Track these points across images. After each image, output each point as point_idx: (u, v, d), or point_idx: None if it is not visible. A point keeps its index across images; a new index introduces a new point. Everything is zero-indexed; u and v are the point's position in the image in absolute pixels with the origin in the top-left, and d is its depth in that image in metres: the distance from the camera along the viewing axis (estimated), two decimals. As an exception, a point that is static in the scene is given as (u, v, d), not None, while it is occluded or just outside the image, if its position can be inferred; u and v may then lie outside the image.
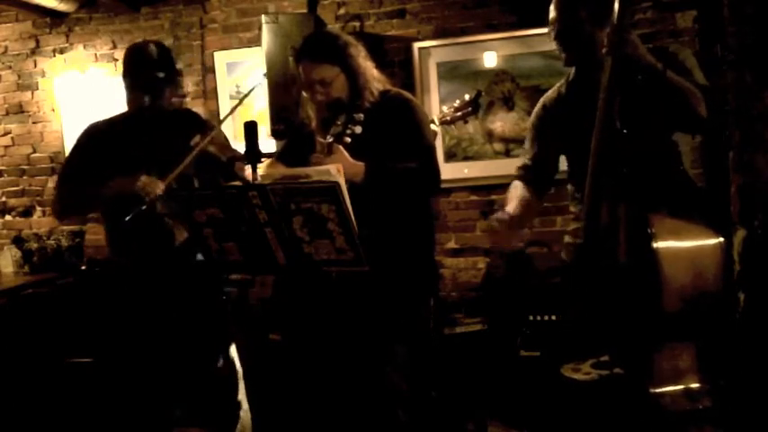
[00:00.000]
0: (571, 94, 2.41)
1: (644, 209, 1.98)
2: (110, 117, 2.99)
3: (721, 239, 1.93)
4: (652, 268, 1.90)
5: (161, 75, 2.84)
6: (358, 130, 2.48)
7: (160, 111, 2.89)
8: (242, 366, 3.03)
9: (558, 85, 2.50)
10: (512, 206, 2.44)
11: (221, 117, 4.50)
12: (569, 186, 2.49)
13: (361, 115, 2.49)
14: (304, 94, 2.65)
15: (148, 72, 2.82)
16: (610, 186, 2.05)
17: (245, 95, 3.07)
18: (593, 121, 2.09)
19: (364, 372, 2.65)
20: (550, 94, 2.51)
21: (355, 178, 2.40)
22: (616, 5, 2.01)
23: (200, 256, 2.71)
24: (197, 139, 2.74)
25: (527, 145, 2.59)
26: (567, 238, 2.51)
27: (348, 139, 2.46)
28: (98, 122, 2.97)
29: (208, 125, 2.99)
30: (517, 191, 2.52)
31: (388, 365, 2.61)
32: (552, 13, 2.29)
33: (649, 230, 1.91)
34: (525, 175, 2.56)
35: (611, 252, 2.07)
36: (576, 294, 2.19)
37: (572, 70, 2.42)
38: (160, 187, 2.64)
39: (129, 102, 2.91)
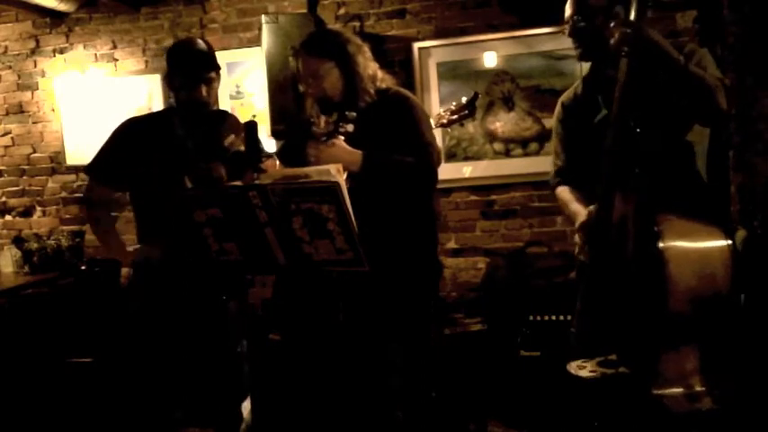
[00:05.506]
0: (586, 92, 2.41)
1: (652, 208, 1.98)
2: (147, 114, 3.00)
3: (730, 242, 1.91)
4: (658, 268, 1.89)
5: (213, 65, 2.78)
6: (350, 128, 2.47)
7: (207, 107, 2.85)
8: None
9: (575, 84, 2.49)
10: (577, 207, 2.37)
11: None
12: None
13: (354, 114, 2.49)
14: (301, 87, 2.66)
15: (204, 65, 2.75)
16: (622, 185, 2.05)
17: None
18: (604, 118, 2.08)
19: (364, 372, 2.66)
20: (568, 93, 2.51)
21: (353, 167, 2.41)
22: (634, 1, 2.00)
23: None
24: (231, 138, 2.74)
25: (555, 148, 2.55)
26: None
27: (341, 138, 2.47)
28: (136, 117, 2.99)
29: (242, 127, 2.97)
30: (570, 194, 2.45)
31: (387, 366, 2.62)
32: (568, 10, 2.28)
33: (656, 229, 1.90)
34: (564, 179, 2.51)
35: (620, 251, 2.07)
36: (589, 292, 2.18)
37: (587, 68, 2.41)
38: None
39: (182, 97, 2.81)
